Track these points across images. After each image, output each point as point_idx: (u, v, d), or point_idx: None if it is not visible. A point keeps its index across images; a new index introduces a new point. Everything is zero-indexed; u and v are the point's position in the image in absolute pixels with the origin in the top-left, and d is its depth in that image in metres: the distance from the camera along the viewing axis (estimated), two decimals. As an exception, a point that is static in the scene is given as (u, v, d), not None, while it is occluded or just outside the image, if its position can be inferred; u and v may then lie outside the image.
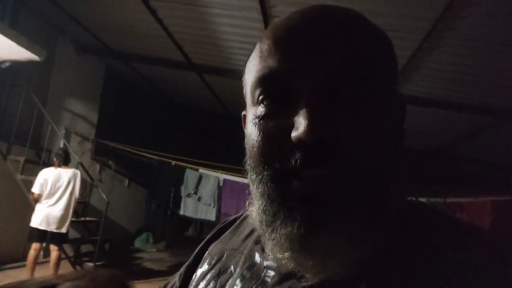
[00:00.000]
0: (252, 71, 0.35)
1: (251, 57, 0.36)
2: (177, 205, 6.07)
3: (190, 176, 5.84)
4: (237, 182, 5.56)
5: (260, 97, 0.33)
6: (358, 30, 0.33)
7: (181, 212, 5.85)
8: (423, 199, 5.69)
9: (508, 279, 0.28)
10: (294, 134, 0.29)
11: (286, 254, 0.30)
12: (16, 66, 4.47)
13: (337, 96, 0.30)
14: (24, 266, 4.10)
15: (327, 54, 0.30)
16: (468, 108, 4.60)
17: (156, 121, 8.13)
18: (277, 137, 0.31)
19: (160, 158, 5.89)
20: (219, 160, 5.92)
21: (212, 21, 3.98)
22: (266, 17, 3.59)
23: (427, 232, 0.33)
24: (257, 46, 0.35)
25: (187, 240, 9.25)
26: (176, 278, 0.51)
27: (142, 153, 5.89)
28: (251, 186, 0.35)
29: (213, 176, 5.77)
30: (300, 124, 0.29)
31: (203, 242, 0.51)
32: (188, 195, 5.78)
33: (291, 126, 0.30)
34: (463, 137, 5.75)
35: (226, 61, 4.93)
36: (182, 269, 0.51)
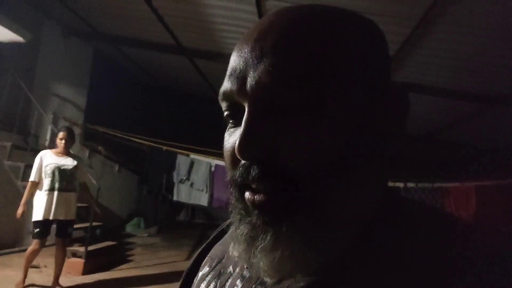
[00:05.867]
0: None
1: None
2: (170, 190, 6.05)
3: (182, 162, 5.82)
4: (229, 167, 5.55)
5: (225, 113, 0.36)
6: (307, 35, 0.31)
7: (175, 198, 5.87)
8: (411, 184, 5.81)
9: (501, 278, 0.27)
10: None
11: (240, 252, 0.34)
12: (1, 49, 4.32)
13: (276, 111, 0.31)
14: (14, 253, 4.08)
15: (264, 70, 0.30)
16: (458, 94, 4.64)
17: (146, 106, 8.02)
18: (231, 152, 0.34)
19: (150, 144, 5.83)
20: (211, 146, 5.90)
21: (203, 3, 3.88)
22: None
23: (406, 229, 0.32)
24: None
25: (179, 224, 9.31)
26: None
27: (132, 139, 5.82)
28: None
29: (205, 162, 5.77)
30: (236, 142, 0.31)
31: (203, 246, 0.52)
32: (181, 181, 5.78)
33: None
34: (451, 123, 5.84)
35: (217, 45, 4.85)
36: (184, 274, 0.52)
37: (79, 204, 5.08)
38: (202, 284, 0.43)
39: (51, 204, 3.32)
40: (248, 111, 0.31)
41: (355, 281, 0.30)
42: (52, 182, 3.35)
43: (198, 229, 8.30)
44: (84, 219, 5.31)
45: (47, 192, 3.33)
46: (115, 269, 4.49)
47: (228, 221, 0.51)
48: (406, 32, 3.53)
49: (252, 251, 0.32)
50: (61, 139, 3.45)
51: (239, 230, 0.33)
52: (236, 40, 4.76)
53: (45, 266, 3.92)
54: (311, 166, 0.30)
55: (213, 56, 5.12)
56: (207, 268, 0.45)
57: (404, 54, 3.96)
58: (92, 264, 4.20)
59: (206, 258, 0.48)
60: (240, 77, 0.32)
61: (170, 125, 8.65)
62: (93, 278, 4.02)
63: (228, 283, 0.40)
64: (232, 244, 0.35)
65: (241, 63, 0.32)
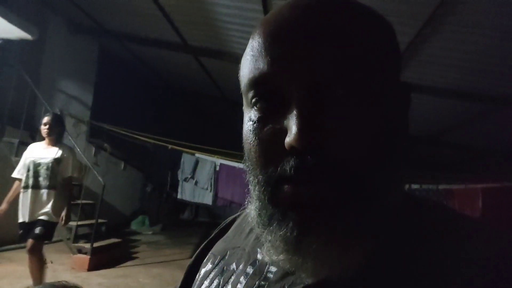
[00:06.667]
0: (245, 69, 0.34)
1: (245, 53, 0.35)
2: (174, 188, 6.07)
3: (187, 160, 5.84)
4: (233, 167, 5.58)
5: (253, 100, 0.33)
6: (352, 22, 0.31)
7: (179, 196, 5.89)
8: (416, 186, 5.76)
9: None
10: (286, 140, 0.29)
11: (281, 256, 0.31)
12: (6, 45, 4.36)
13: (329, 98, 0.29)
14: (20, 248, 4.12)
15: (318, 54, 0.29)
16: (463, 95, 4.59)
17: (152, 103, 8.05)
18: (271, 143, 0.31)
19: (156, 142, 5.86)
20: (215, 143, 5.90)
21: (209, 1, 3.89)
22: (264, -1, 3.51)
23: (429, 229, 0.33)
24: (249, 43, 0.34)
25: (183, 223, 9.34)
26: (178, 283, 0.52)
27: (138, 137, 5.85)
28: (250, 186, 0.35)
29: (210, 161, 5.79)
30: (291, 130, 0.28)
31: (205, 242, 0.52)
32: (185, 179, 5.80)
33: (285, 131, 0.30)
34: (457, 124, 5.78)
35: (223, 43, 4.85)
36: (186, 269, 0.51)
37: (84, 201, 5.16)
38: (205, 281, 0.43)
39: (26, 204, 2.88)
40: (302, 96, 0.29)
41: (384, 276, 0.30)
42: (27, 178, 2.92)
43: (201, 228, 8.32)
44: (90, 215, 5.37)
45: (22, 190, 2.93)
46: (119, 265, 4.53)
47: (230, 218, 0.53)
48: (413, 32, 3.50)
49: (301, 254, 0.29)
50: (45, 124, 3.00)
51: (280, 233, 0.30)
52: (242, 39, 4.77)
53: (51, 262, 3.95)
54: (365, 155, 0.29)
55: (219, 55, 5.13)
56: (210, 265, 0.45)
57: (410, 54, 3.93)
58: (97, 260, 4.24)
59: (209, 254, 0.48)
60: (286, 60, 0.30)
61: (175, 123, 8.68)
62: (98, 274, 4.05)
63: (231, 280, 0.39)
64: (265, 249, 0.33)
65: (284, 45, 0.30)
